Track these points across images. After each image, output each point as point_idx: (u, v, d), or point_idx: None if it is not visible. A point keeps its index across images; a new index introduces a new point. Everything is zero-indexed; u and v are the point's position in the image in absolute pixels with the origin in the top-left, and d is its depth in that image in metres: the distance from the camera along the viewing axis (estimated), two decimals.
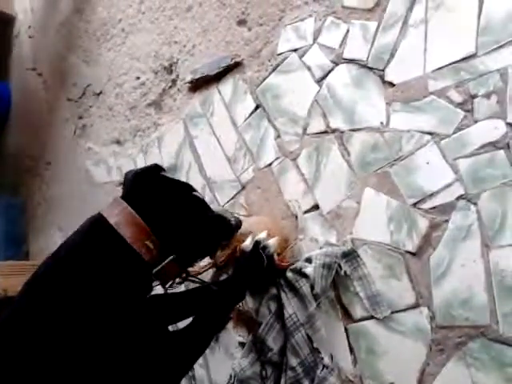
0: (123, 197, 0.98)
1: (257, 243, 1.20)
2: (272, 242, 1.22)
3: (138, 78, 1.93)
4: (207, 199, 1.56)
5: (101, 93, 2.11)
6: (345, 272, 1.22)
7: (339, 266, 1.22)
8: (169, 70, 1.81)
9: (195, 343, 1.05)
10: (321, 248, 1.27)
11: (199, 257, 1.11)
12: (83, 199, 2.11)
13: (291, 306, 1.22)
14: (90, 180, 2.10)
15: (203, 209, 1.05)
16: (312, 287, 1.20)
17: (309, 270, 1.20)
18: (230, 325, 1.47)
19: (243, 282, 1.18)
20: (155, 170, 1.03)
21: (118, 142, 1.99)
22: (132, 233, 0.89)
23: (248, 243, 1.21)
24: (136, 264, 0.91)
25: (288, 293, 1.24)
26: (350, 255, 1.22)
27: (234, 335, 1.47)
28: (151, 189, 0.97)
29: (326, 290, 1.23)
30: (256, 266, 1.18)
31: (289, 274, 1.24)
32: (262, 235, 1.23)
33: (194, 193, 1.05)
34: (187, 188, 1.05)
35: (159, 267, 0.93)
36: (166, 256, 0.95)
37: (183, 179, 1.64)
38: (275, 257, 1.22)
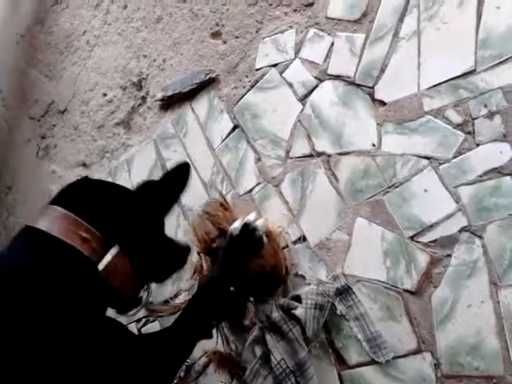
0: (51, 201, 0.85)
1: (246, 225, 1.04)
2: (261, 223, 1.06)
3: (105, 94, 1.78)
4: (182, 229, 1.46)
5: (65, 110, 1.94)
6: (340, 312, 1.09)
7: (333, 305, 1.09)
8: (138, 86, 1.66)
9: (175, 346, 0.90)
10: (309, 285, 1.13)
11: (157, 266, 0.95)
12: None
13: (278, 352, 1.08)
14: None
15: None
16: (303, 330, 1.07)
17: (299, 311, 1.07)
18: (211, 369, 1.33)
19: (233, 268, 1.01)
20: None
21: (84, 165, 1.83)
22: (60, 225, 0.77)
23: (237, 225, 1.05)
24: (75, 260, 0.76)
25: (274, 335, 1.10)
26: (345, 292, 1.10)
27: (215, 381, 1.33)
28: (82, 190, 0.86)
29: (319, 334, 1.11)
30: (246, 250, 1.03)
31: (275, 315, 1.11)
32: (251, 216, 1.07)
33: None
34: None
35: (104, 262, 0.79)
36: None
37: None
38: (264, 239, 1.06)
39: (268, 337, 1.12)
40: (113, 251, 0.81)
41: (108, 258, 0.79)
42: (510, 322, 0.91)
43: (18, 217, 2.13)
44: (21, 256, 0.75)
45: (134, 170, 1.64)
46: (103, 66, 1.80)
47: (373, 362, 1.06)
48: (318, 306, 1.08)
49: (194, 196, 1.44)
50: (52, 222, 0.77)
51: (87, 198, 0.84)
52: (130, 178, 1.64)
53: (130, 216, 0.86)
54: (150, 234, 0.91)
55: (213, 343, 1.23)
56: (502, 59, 0.96)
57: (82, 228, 0.77)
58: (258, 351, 1.14)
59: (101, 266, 0.78)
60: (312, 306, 1.08)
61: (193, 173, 1.45)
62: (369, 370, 1.06)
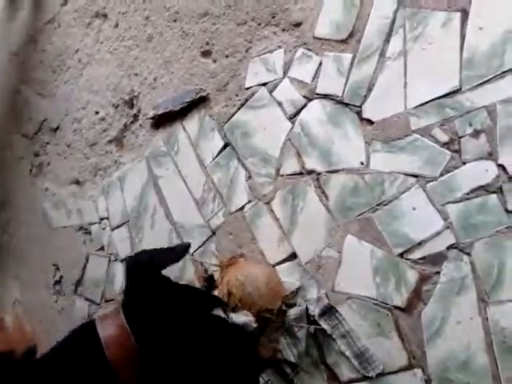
0: (123, 304, 0.82)
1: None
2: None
3: (97, 112, 1.79)
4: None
5: (58, 128, 1.95)
6: (325, 331, 1.10)
7: (317, 324, 1.10)
8: (129, 104, 1.68)
9: None
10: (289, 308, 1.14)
11: None
12: (41, 245, 1.94)
13: (266, 373, 1.09)
14: (48, 224, 1.94)
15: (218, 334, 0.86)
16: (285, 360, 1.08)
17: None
18: None
19: None
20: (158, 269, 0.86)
21: (78, 183, 1.84)
22: (129, 373, 0.74)
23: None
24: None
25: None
26: (329, 312, 1.10)
27: None
28: (153, 300, 0.81)
29: (304, 355, 1.11)
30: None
31: None
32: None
33: (214, 311, 0.88)
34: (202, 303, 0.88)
35: None
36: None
37: (148, 223, 1.55)
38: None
39: None
40: None
41: None
42: (499, 339, 0.92)
43: (11, 235, 2.13)
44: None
45: (127, 188, 1.64)
46: (95, 84, 1.81)
47: (364, 379, 1.06)
48: (286, 335, 1.09)
49: (185, 213, 1.45)
50: (122, 358, 0.75)
51: (155, 319, 0.79)
52: (123, 195, 1.65)
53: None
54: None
55: None
56: (485, 79, 0.97)
57: (136, 362, 0.75)
58: None
59: None
60: (289, 331, 1.09)
61: (184, 190, 1.46)
62: None
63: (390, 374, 1.04)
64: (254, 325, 0.97)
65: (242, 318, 0.96)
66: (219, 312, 0.89)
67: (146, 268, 0.84)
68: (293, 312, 1.11)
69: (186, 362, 0.79)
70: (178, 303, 0.82)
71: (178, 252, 0.91)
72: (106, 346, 0.74)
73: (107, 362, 0.73)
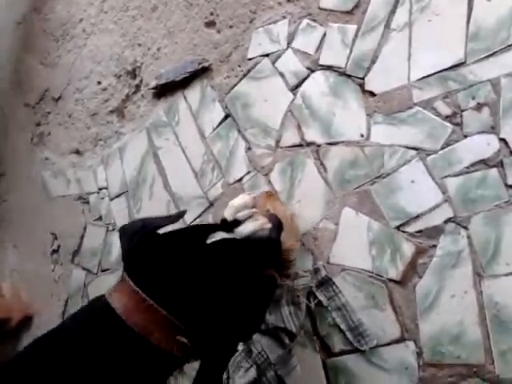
0: (129, 274, 0.77)
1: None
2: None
3: (100, 82, 1.78)
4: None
5: (60, 98, 1.94)
6: (320, 302, 1.10)
7: (314, 295, 1.10)
8: (132, 74, 1.66)
9: None
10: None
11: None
12: (39, 214, 1.94)
13: (260, 344, 1.09)
14: (47, 193, 1.94)
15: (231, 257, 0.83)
16: (284, 329, 1.07)
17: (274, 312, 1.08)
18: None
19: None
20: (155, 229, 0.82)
21: (78, 152, 1.83)
22: (160, 334, 0.71)
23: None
24: (171, 367, 0.74)
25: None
26: (326, 283, 1.10)
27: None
28: (154, 254, 0.78)
29: (303, 325, 1.11)
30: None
31: None
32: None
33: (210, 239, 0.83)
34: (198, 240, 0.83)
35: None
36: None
37: (146, 194, 1.54)
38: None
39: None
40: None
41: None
42: (492, 313, 0.91)
43: (10, 203, 2.13)
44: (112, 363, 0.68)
45: (126, 158, 1.64)
46: (98, 54, 1.80)
47: (356, 351, 1.06)
48: (291, 302, 1.08)
49: (184, 184, 1.45)
50: (147, 323, 0.70)
51: (172, 282, 0.75)
52: (122, 166, 1.64)
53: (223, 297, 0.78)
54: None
55: None
56: (491, 52, 0.96)
57: (180, 332, 0.72)
58: (240, 345, 1.15)
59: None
60: (284, 303, 1.09)
61: (184, 161, 1.45)
62: (352, 358, 1.07)
63: (382, 346, 1.04)
64: (266, 226, 0.91)
65: (248, 227, 0.90)
66: (219, 234, 0.84)
67: (140, 230, 0.82)
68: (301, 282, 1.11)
69: (207, 297, 0.76)
70: (178, 247, 0.80)
71: (172, 216, 0.89)
72: (126, 317, 0.70)
73: (133, 332, 0.69)
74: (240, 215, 0.93)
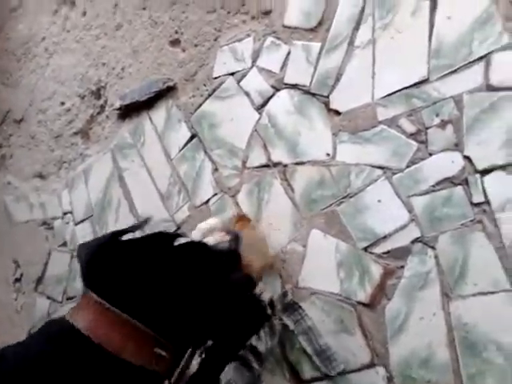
0: (91, 287, 0.68)
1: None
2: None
3: (63, 103, 1.73)
4: None
5: (22, 120, 1.89)
6: (287, 326, 1.06)
7: (280, 319, 1.06)
8: (96, 94, 1.62)
9: None
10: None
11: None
12: (1, 240, 1.87)
13: (228, 372, 1.05)
14: (9, 218, 1.87)
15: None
16: (253, 350, 1.03)
17: None
18: None
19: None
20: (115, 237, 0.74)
21: (41, 176, 1.77)
22: (134, 348, 0.62)
23: None
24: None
25: None
26: (291, 307, 1.07)
27: None
28: (131, 269, 0.68)
29: (274, 349, 1.07)
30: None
31: None
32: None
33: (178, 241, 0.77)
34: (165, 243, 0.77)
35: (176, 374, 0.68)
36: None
37: (112, 218, 1.49)
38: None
39: None
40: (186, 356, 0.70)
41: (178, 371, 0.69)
42: (461, 335, 0.89)
43: None
44: None
45: (91, 181, 1.59)
46: (61, 74, 1.76)
47: (326, 377, 1.03)
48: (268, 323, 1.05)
49: (150, 207, 1.41)
50: (116, 339, 0.61)
51: (140, 287, 0.67)
52: (87, 189, 1.59)
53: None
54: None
55: None
56: (453, 68, 0.95)
57: (157, 343, 0.64)
58: None
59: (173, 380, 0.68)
60: None
61: (149, 183, 1.41)
62: None
63: (352, 372, 1.01)
64: (225, 239, 0.90)
65: (209, 241, 0.89)
66: (183, 239, 0.78)
67: (99, 241, 0.77)
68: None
69: (181, 302, 0.69)
70: (143, 252, 0.72)
71: (136, 224, 0.84)
72: (94, 335, 0.61)
73: (103, 351, 0.60)
74: (207, 240, 0.91)
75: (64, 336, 0.62)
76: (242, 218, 1.15)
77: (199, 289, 0.73)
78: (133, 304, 0.64)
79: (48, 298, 1.68)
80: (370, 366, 0.98)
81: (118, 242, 0.73)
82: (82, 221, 1.60)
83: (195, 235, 0.95)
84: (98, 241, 0.73)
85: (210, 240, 0.92)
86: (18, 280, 1.79)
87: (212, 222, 0.99)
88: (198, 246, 0.80)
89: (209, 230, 0.96)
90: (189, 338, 0.70)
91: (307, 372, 1.06)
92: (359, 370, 1.00)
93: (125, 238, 0.75)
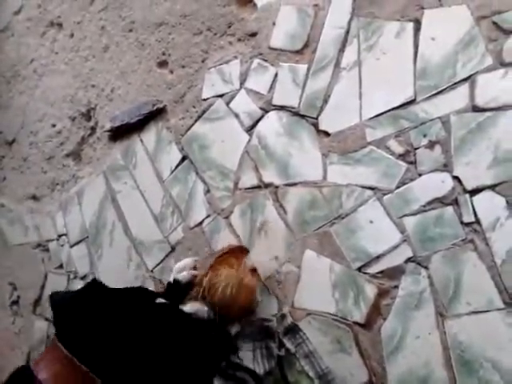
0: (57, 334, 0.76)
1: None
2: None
3: (54, 125, 1.73)
4: (134, 263, 1.42)
5: (13, 141, 1.89)
6: (288, 350, 1.07)
7: (280, 342, 1.07)
8: (87, 116, 1.63)
9: None
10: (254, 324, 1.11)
11: None
12: None
13: None
14: (3, 241, 1.86)
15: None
16: (251, 372, 1.04)
17: (245, 353, 1.04)
18: None
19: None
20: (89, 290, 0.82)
21: (35, 198, 1.77)
22: None
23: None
24: None
25: (220, 379, 1.07)
26: (292, 330, 1.08)
27: None
28: (90, 315, 0.77)
29: (273, 371, 1.08)
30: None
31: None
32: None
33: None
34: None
35: None
36: None
37: (107, 240, 1.49)
38: None
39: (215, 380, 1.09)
40: None
41: None
42: (457, 353, 0.90)
43: None
44: None
45: (85, 203, 1.59)
46: (51, 95, 1.75)
47: None
48: (264, 345, 1.06)
49: (144, 229, 1.41)
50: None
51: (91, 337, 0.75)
52: (81, 211, 1.59)
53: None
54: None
55: None
56: (439, 89, 0.96)
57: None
58: None
59: None
60: (258, 346, 1.06)
61: (143, 205, 1.42)
62: None
63: None
64: (206, 313, 0.96)
65: (194, 307, 0.96)
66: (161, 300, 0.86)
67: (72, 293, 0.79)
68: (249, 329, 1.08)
69: (145, 360, 0.75)
70: (117, 306, 0.78)
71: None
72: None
73: None
74: (179, 276, 1.05)
75: None
76: (238, 250, 1.14)
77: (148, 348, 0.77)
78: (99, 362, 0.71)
79: (46, 319, 1.68)
80: None
81: (88, 293, 0.79)
82: (77, 243, 1.60)
83: (172, 275, 1.07)
84: (72, 293, 0.76)
85: (185, 278, 1.05)
86: (14, 303, 1.79)
87: (184, 261, 1.09)
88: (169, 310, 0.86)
89: (181, 268, 1.08)
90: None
91: None
92: None
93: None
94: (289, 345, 1.07)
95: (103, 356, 0.72)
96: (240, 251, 1.13)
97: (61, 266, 1.65)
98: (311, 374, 1.05)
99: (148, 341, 0.77)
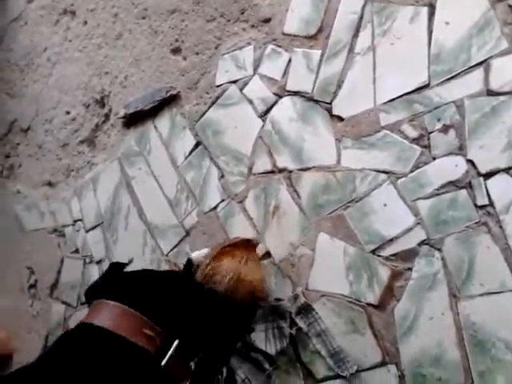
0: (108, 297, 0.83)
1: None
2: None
3: (68, 112, 1.75)
4: (149, 247, 1.45)
5: (29, 129, 1.91)
6: (301, 328, 1.09)
7: (293, 322, 1.09)
8: (101, 103, 1.64)
9: None
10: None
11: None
12: (14, 249, 1.90)
13: (242, 371, 1.08)
14: (20, 227, 1.90)
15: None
16: (264, 353, 1.07)
17: (257, 335, 1.07)
18: None
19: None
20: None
21: (50, 184, 1.80)
22: (123, 323, 0.76)
23: None
24: (141, 359, 0.75)
25: (238, 358, 1.10)
26: (305, 310, 1.10)
27: None
28: (134, 283, 0.87)
29: (285, 351, 1.11)
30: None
31: None
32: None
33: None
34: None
35: (167, 357, 0.78)
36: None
37: (122, 224, 1.52)
38: None
39: (232, 358, 1.12)
40: (174, 347, 0.80)
41: (170, 354, 0.79)
42: (470, 333, 0.92)
43: None
44: (85, 357, 0.73)
45: (100, 189, 1.62)
46: (65, 83, 1.77)
47: (339, 376, 1.06)
48: (276, 325, 1.08)
49: (159, 214, 1.43)
50: (114, 320, 0.76)
51: (142, 291, 0.84)
52: (96, 197, 1.62)
53: (187, 309, 0.87)
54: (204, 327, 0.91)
55: None
56: (453, 74, 0.97)
57: (147, 326, 0.77)
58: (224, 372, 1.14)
59: (163, 362, 0.78)
60: (270, 326, 1.08)
61: (157, 190, 1.44)
62: (335, 383, 1.07)
63: (364, 370, 1.04)
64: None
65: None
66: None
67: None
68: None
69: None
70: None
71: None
72: (115, 327, 0.75)
73: (125, 341, 0.74)
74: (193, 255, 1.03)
75: (93, 336, 0.76)
76: (245, 243, 1.15)
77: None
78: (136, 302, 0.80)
79: (63, 303, 1.72)
80: (382, 364, 1.01)
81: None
82: (92, 228, 1.63)
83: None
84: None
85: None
86: (32, 286, 1.83)
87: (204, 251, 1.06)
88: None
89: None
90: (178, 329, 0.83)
91: (321, 371, 1.09)
92: (371, 368, 1.03)
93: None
94: (301, 324, 1.09)
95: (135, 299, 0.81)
96: (247, 244, 1.13)
97: (77, 251, 1.68)
98: (323, 352, 1.07)
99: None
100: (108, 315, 0.77)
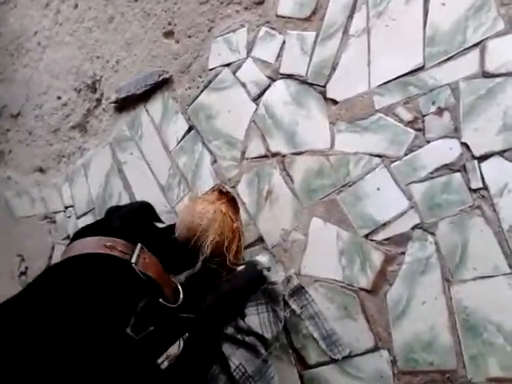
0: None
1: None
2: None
3: (59, 97, 1.73)
4: None
5: (18, 114, 1.88)
6: (294, 311, 1.09)
7: (287, 304, 1.09)
8: (92, 88, 1.62)
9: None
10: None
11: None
12: (4, 235, 1.88)
13: (236, 357, 1.07)
14: (10, 213, 1.88)
15: None
16: (259, 336, 1.06)
17: (251, 318, 1.06)
18: None
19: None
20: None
21: (41, 170, 1.78)
22: (88, 245, 0.88)
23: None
24: (113, 263, 0.86)
25: (230, 344, 1.09)
26: (298, 292, 1.09)
27: None
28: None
29: (279, 336, 1.10)
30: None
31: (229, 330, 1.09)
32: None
33: None
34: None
35: (134, 256, 0.88)
36: None
37: None
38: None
39: (225, 346, 1.11)
40: (138, 247, 0.91)
41: (136, 252, 0.89)
42: (462, 317, 0.91)
43: None
44: (70, 275, 0.83)
45: (91, 174, 1.60)
46: (56, 67, 1.75)
47: (331, 361, 1.05)
48: (270, 309, 1.07)
49: (151, 199, 1.40)
50: (79, 248, 0.87)
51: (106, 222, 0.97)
52: (88, 182, 1.60)
53: (143, 223, 1.01)
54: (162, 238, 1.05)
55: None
56: (448, 56, 0.96)
57: (106, 240, 0.88)
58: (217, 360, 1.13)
59: (133, 260, 0.88)
60: (264, 309, 1.07)
61: (149, 176, 1.42)
62: (328, 368, 1.06)
63: (357, 355, 1.03)
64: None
65: None
66: None
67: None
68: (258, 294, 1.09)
69: None
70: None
71: None
72: (80, 250, 0.85)
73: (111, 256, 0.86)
74: None
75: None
76: (222, 194, 1.15)
77: None
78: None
79: None
80: (374, 349, 1.01)
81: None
82: (83, 214, 1.61)
83: None
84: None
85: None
86: (23, 273, 1.81)
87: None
88: None
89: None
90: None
91: (313, 357, 1.08)
92: (364, 353, 1.02)
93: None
94: (294, 306, 1.09)
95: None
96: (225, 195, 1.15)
97: (68, 237, 1.66)
98: (316, 335, 1.07)
99: None
100: (78, 247, 0.87)
